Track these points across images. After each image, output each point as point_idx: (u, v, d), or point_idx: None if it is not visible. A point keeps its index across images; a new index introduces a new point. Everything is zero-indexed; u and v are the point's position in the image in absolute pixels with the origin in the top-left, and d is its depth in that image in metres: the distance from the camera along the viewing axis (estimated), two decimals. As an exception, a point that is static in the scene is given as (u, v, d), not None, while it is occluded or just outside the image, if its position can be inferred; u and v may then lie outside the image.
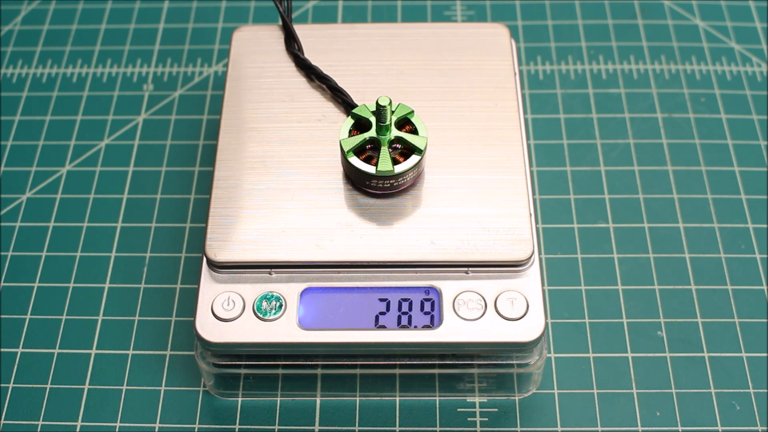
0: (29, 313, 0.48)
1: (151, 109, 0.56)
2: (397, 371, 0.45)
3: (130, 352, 0.47)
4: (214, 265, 0.42)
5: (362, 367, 0.43)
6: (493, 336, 0.41)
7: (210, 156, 0.53)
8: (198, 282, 0.42)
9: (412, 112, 0.43)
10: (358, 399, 0.45)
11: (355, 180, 0.43)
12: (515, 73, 0.48)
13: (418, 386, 0.45)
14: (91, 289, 0.49)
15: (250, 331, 0.41)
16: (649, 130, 0.54)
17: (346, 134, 0.43)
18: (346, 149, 0.42)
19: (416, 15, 0.60)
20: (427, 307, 0.41)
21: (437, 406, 0.45)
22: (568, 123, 0.54)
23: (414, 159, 0.42)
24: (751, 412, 0.44)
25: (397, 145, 0.43)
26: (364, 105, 0.43)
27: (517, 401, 0.45)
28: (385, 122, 0.42)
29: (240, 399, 0.45)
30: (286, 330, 0.41)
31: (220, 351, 0.42)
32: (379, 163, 0.42)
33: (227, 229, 0.42)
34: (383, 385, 0.45)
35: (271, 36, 0.49)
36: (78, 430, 0.44)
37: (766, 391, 0.45)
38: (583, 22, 0.59)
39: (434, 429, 0.44)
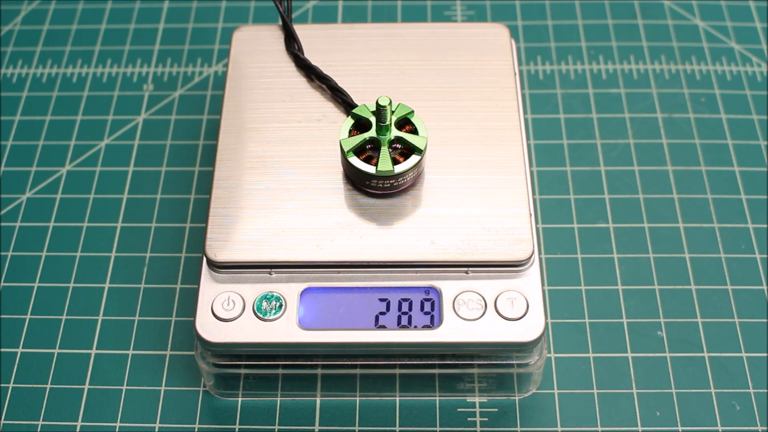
0: (29, 313, 0.48)
1: (151, 109, 0.56)
2: (397, 371, 0.45)
3: (130, 352, 0.47)
4: (214, 265, 0.42)
5: (362, 367, 0.43)
6: (493, 336, 0.41)
7: (210, 156, 0.53)
8: (198, 282, 0.42)
9: (412, 112, 0.43)
10: (358, 399, 0.45)
11: (355, 180, 0.43)
12: (515, 73, 0.48)
13: (418, 386, 0.45)
14: (91, 289, 0.49)
15: (250, 331, 0.41)
16: (649, 130, 0.54)
17: (346, 134, 0.43)
18: (346, 149, 0.42)
19: (416, 15, 0.60)
20: (427, 307, 0.41)
21: (437, 406, 0.45)
22: (568, 123, 0.54)
23: (414, 159, 0.42)
24: (751, 412, 0.44)
25: (397, 145, 0.43)
26: (364, 105, 0.43)
27: (517, 401, 0.45)
28: (385, 122, 0.42)
29: (240, 399, 0.45)
30: (286, 330, 0.41)
31: (220, 351, 0.42)
32: (379, 163, 0.42)
33: (227, 229, 0.42)
34: (383, 385, 0.45)
35: (271, 36, 0.49)
36: (78, 430, 0.44)
37: (766, 391, 0.45)
38: (583, 22, 0.59)
39: (434, 429, 0.44)
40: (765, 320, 0.47)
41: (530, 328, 0.41)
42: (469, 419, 0.44)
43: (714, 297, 0.48)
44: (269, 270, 0.42)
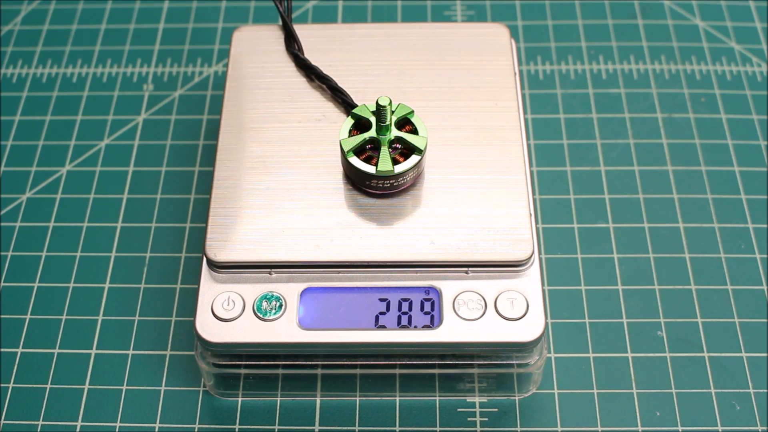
0: (29, 313, 0.48)
1: (151, 109, 0.56)
2: (397, 371, 0.45)
3: (130, 352, 0.47)
4: (214, 265, 0.42)
5: (362, 367, 0.43)
6: (493, 336, 0.41)
7: (210, 156, 0.53)
8: (198, 282, 0.42)
9: (412, 112, 0.43)
10: (358, 399, 0.45)
11: (355, 180, 0.43)
12: (515, 73, 0.48)
13: (418, 386, 0.45)
14: (91, 289, 0.49)
15: (250, 331, 0.41)
16: (649, 130, 0.54)
17: (346, 134, 0.43)
18: (346, 149, 0.42)
19: (416, 15, 0.60)
20: (427, 307, 0.41)
21: (437, 406, 0.45)
22: (568, 123, 0.54)
23: (414, 159, 0.42)
24: (751, 412, 0.44)
25: (397, 145, 0.43)
26: (364, 105, 0.43)
27: (517, 401, 0.45)
28: (385, 122, 0.42)
29: (240, 399, 0.45)
30: (286, 330, 0.41)
31: (220, 351, 0.42)
32: (379, 163, 0.42)
33: (227, 229, 0.42)
34: (383, 385, 0.45)
35: (271, 36, 0.49)
36: (78, 430, 0.44)
37: (766, 391, 0.45)
38: (583, 22, 0.59)
39: (434, 429, 0.44)
40: (765, 320, 0.47)
41: (530, 328, 0.41)
42: (469, 419, 0.44)
43: (714, 297, 0.48)
44: (269, 270, 0.42)
